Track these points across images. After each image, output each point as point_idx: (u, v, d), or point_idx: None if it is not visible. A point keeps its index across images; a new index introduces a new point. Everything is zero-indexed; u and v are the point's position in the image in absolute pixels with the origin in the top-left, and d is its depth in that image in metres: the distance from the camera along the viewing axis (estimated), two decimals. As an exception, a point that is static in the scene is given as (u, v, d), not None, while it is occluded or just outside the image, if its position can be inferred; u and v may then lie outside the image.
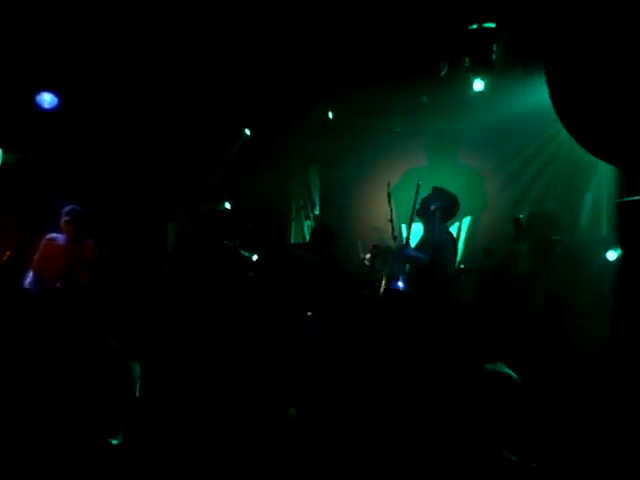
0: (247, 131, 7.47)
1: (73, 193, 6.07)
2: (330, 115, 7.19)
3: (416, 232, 5.83)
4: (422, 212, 5.56)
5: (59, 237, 5.57)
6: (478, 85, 6.10)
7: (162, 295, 6.84)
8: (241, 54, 6.24)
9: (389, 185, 5.69)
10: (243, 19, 5.70)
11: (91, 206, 6.36)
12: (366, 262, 5.96)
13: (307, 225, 7.91)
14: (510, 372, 2.38)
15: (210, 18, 5.71)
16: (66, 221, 5.54)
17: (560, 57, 4.38)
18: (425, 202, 5.55)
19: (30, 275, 5.45)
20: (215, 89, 6.81)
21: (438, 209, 5.48)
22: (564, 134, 5.44)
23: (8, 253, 5.47)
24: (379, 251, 5.77)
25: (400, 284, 5.41)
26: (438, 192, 5.59)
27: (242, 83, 6.73)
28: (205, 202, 7.39)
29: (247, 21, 5.73)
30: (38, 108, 6.41)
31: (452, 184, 5.93)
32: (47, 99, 6.46)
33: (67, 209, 5.60)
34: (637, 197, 4.94)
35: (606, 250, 5.84)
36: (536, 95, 5.27)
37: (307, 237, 7.79)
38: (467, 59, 5.88)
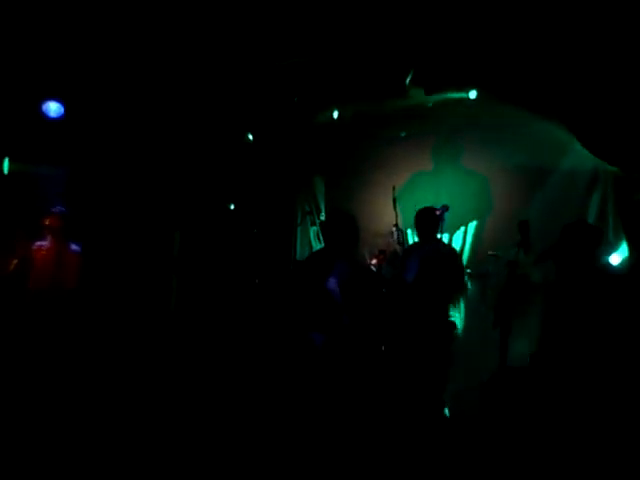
0: (250, 136, 7.45)
1: (80, 201, 6.07)
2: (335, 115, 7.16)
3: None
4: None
5: (44, 243, 5.52)
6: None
7: (170, 302, 6.82)
8: (247, 59, 6.25)
9: (394, 189, 5.67)
10: (249, 20, 5.70)
11: (99, 214, 6.38)
12: (373, 268, 5.93)
13: (313, 231, 7.88)
14: None
15: (212, 21, 5.72)
16: (48, 224, 5.41)
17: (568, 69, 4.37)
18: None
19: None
20: (220, 95, 6.83)
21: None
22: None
23: (15, 262, 5.46)
24: (385, 257, 5.74)
25: None
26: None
27: (247, 89, 6.74)
28: (212, 208, 7.38)
29: (251, 24, 5.73)
30: (44, 117, 6.44)
31: (457, 188, 5.90)
32: (53, 108, 6.48)
33: (49, 211, 5.44)
34: None
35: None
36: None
37: (313, 243, 7.77)
38: None
